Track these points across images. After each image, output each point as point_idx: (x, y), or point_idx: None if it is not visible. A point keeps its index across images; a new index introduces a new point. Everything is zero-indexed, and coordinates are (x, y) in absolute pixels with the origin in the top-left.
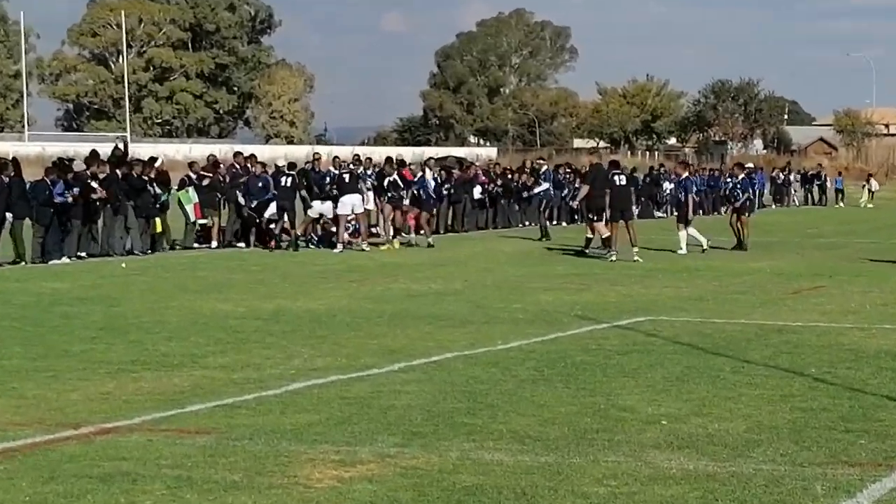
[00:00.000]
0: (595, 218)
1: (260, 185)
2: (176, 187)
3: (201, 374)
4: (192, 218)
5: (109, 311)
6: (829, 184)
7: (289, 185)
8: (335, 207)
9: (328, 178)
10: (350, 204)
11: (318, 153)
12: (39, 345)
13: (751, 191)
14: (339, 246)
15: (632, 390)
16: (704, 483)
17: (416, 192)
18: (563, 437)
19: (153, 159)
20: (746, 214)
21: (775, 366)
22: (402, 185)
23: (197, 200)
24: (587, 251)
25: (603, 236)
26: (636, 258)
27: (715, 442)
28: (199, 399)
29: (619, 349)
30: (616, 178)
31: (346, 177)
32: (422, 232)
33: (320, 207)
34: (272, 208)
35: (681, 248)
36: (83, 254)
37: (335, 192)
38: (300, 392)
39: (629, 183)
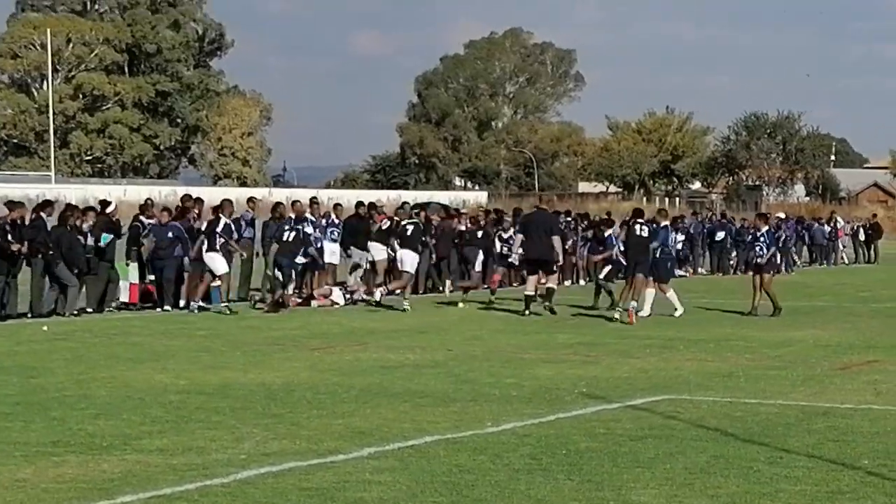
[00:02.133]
0: (528, 272)
1: (170, 234)
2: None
3: (135, 458)
4: (126, 298)
5: (27, 382)
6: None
7: (291, 239)
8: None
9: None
10: (408, 262)
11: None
12: None
13: (776, 246)
14: (378, 293)
15: (647, 484)
16: None
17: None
18: None
19: (106, 203)
20: (772, 274)
21: (820, 456)
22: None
23: (136, 281)
24: (527, 312)
25: (526, 293)
26: (615, 315)
27: None
28: (131, 488)
29: (632, 434)
30: (637, 227)
31: (410, 229)
32: (382, 291)
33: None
34: (220, 264)
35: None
36: None
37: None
38: (251, 481)
39: (650, 237)
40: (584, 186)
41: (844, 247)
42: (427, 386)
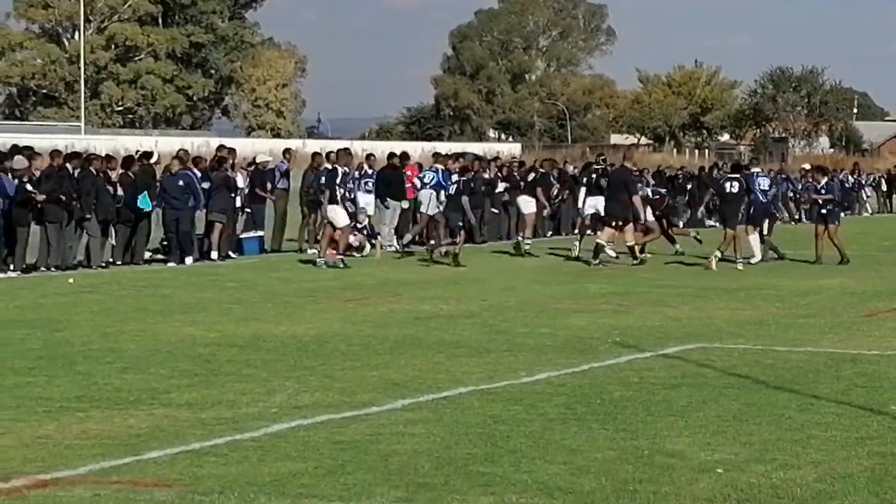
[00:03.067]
0: (615, 224)
1: (180, 183)
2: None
3: (163, 413)
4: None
5: (52, 336)
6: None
7: (455, 192)
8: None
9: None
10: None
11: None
12: None
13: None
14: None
15: (681, 432)
16: None
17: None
18: (600, 489)
19: (148, 154)
20: (836, 224)
21: (849, 402)
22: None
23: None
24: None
25: (628, 244)
26: (738, 266)
27: (780, 494)
28: (158, 444)
29: (666, 382)
30: (727, 184)
31: (594, 178)
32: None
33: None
34: (342, 217)
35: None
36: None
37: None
38: (283, 435)
39: (741, 191)
40: (615, 138)
41: (868, 197)
42: (461, 336)
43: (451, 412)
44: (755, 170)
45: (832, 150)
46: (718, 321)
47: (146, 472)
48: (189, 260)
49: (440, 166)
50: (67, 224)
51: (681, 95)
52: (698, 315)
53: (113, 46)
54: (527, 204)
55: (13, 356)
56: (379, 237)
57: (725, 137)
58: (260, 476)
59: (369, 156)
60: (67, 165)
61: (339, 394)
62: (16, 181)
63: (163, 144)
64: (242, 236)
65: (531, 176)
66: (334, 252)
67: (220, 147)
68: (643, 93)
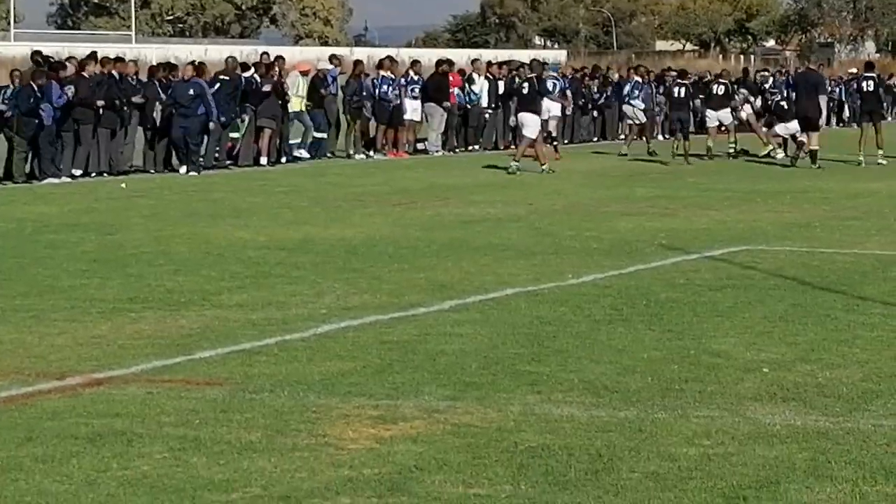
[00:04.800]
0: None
1: (191, 92)
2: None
3: (213, 314)
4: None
5: (105, 239)
6: None
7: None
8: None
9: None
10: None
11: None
12: (18, 280)
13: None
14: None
15: (727, 332)
16: (814, 441)
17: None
18: (646, 389)
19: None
20: None
21: (895, 303)
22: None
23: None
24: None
25: (811, 148)
26: (880, 161)
27: (826, 393)
28: (210, 344)
29: (712, 284)
30: (864, 83)
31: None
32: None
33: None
34: (533, 127)
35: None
36: (77, 172)
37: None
38: (332, 335)
39: (877, 87)
40: (661, 45)
41: None
42: (508, 239)
43: (497, 313)
44: None
45: (878, 54)
46: (764, 224)
47: (198, 372)
48: (183, 170)
49: (637, 77)
50: (120, 129)
51: (726, 1)
52: (744, 218)
53: None
54: (726, 116)
55: (67, 259)
56: (425, 142)
57: (771, 43)
58: (309, 375)
59: (415, 62)
60: (114, 72)
61: (387, 295)
62: (70, 89)
63: (212, 53)
64: (292, 141)
65: (718, 88)
66: (542, 162)
67: (265, 54)
68: None
